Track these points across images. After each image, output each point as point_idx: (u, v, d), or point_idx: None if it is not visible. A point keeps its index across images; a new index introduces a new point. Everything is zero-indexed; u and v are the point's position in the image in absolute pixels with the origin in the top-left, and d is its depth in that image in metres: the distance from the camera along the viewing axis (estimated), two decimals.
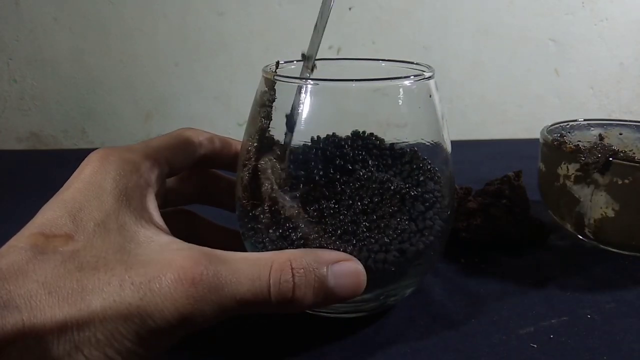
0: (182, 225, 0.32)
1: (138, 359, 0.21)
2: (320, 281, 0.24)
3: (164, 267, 0.21)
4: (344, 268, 0.25)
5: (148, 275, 0.21)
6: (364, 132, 0.29)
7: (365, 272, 0.25)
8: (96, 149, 0.26)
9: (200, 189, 0.33)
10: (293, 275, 0.23)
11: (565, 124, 0.43)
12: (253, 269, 0.23)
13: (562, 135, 0.42)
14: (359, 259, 0.25)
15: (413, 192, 0.27)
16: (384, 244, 0.26)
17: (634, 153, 0.42)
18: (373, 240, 0.26)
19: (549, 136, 0.40)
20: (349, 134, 0.29)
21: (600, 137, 0.43)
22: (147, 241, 0.23)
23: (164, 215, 0.26)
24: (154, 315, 0.21)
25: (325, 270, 0.24)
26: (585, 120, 0.44)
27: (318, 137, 0.28)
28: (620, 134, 0.43)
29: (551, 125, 0.43)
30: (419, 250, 0.27)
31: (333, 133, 0.29)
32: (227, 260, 0.23)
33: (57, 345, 0.19)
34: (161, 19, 0.67)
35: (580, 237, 0.40)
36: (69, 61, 0.67)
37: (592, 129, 0.44)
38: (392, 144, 0.29)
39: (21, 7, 0.65)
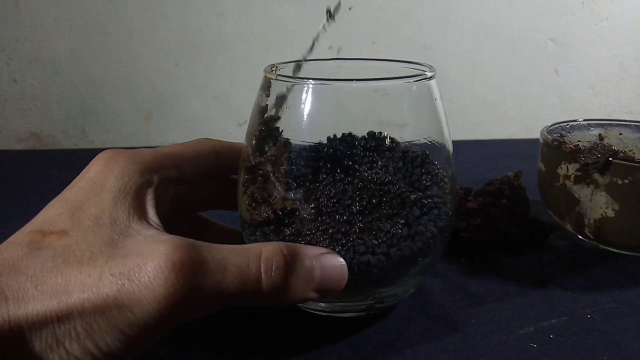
0: (185, 227, 0.32)
1: (121, 354, 0.21)
2: (308, 271, 0.24)
3: (145, 256, 0.21)
4: (327, 261, 0.25)
5: (127, 266, 0.21)
6: (379, 133, 0.29)
7: (346, 266, 0.25)
8: (96, 149, 0.26)
9: (216, 195, 0.33)
10: (286, 262, 0.23)
11: (565, 124, 0.43)
12: (241, 257, 0.22)
13: (562, 135, 0.42)
14: (344, 259, 0.26)
15: (413, 196, 0.27)
16: (372, 246, 0.26)
17: (633, 153, 0.42)
18: (361, 242, 0.26)
19: (549, 136, 0.40)
20: (345, 134, 0.29)
21: (600, 137, 0.43)
22: (135, 234, 0.23)
23: (169, 219, 0.26)
24: (133, 307, 0.20)
25: (312, 262, 0.24)
26: (585, 120, 0.44)
27: (335, 135, 0.28)
28: (620, 134, 0.43)
29: (551, 125, 0.43)
30: (405, 255, 0.26)
31: (350, 132, 0.28)
32: (213, 248, 0.22)
33: (40, 338, 0.20)
34: (161, 19, 0.67)
35: (580, 237, 0.40)
36: (69, 61, 0.67)
37: (592, 129, 0.44)
38: (392, 145, 0.29)
39: (21, 7, 0.65)
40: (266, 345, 0.28)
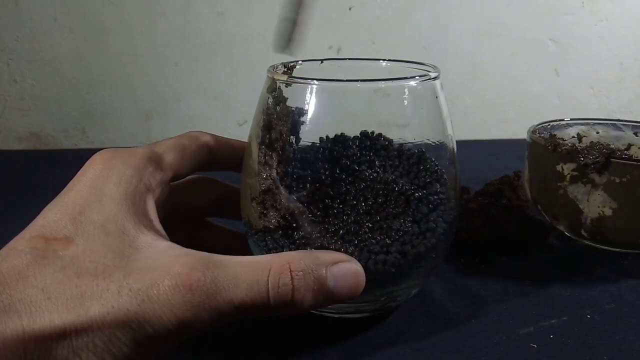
0: (185, 228, 0.32)
1: None
2: (319, 283, 0.24)
3: (161, 273, 0.21)
4: (343, 269, 0.25)
5: (146, 282, 0.21)
6: (372, 133, 0.29)
7: (364, 273, 0.25)
8: (96, 149, 0.26)
9: (216, 203, 0.33)
10: (292, 278, 0.23)
11: (547, 124, 0.43)
12: (251, 273, 0.23)
13: (552, 135, 0.42)
14: (359, 260, 0.25)
15: (418, 193, 0.27)
16: (385, 245, 0.26)
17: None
18: (374, 241, 0.26)
19: (541, 137, 0.40)
20: (337, 134, 0.29)
21: (579, 136, 0.43)
22: (146, 247, 0.23)
23: (167, 219, 0.26)
24: (152, 322, 0.21)
25: (324, 271, 0.24)
26: (563, 120, 0.44)
27: (327, 137, 0.28)
28: (598, 132, 0.43)
29: (537, 125, 0.43)
30: (420, 252, 0.27)
31: (342, 133, 0.29)
32: (225, 265, 0.23)
33: (56, 351, 0.20)
34: (161, 19, 0.67)
35: (578, 237, 0.40)
36: (69, 61, 0.67)
37: (569, 127, 0.44)
38: (398, 145, 0.29)
39: (21, 7, 0.65)
40: (266, 346, 0.28)
